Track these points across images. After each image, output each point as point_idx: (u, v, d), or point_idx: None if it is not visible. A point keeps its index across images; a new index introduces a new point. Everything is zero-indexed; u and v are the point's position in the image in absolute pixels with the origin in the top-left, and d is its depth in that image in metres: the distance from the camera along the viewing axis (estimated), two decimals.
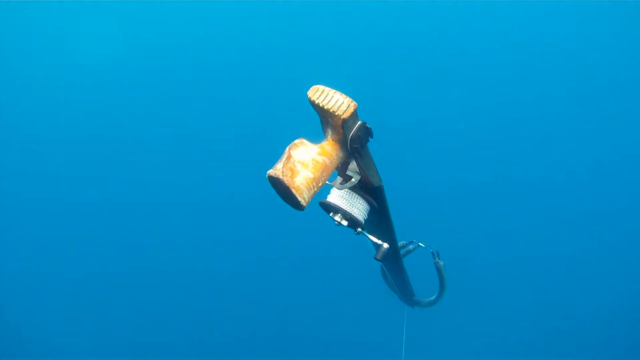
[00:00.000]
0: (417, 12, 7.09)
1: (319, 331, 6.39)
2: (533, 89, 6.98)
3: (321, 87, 1.80)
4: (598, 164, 6.77)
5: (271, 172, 1.76)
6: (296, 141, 1.84)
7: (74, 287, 6.74)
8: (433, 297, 3.06)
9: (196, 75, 7.30)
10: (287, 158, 1.77)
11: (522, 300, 6.26)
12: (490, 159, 6.84)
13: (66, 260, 6.84)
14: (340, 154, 1.86)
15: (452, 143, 6.83)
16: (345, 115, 1.75)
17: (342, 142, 1.84)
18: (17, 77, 7.26)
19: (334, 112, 1.75)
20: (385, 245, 2.14)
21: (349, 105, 1.76)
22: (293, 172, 1.75)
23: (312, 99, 1.78)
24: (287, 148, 1.81)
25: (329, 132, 1.85)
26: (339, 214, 2.07)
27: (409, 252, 2.78)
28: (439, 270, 2.78)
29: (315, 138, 1.92)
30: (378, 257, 2.14)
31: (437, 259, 2.75)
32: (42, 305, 6.71)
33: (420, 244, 2.72)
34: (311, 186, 1.77)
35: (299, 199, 1.75)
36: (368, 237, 2.16)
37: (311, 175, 1.77)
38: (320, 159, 1.80)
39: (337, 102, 1.75)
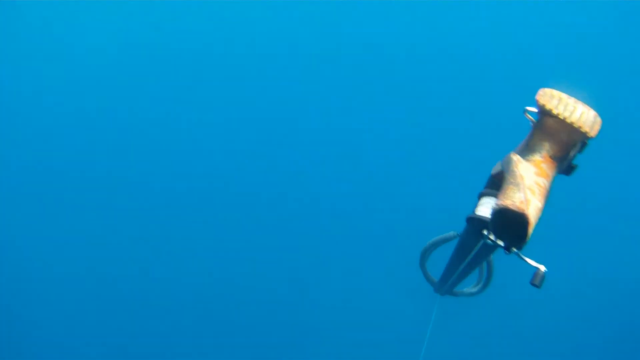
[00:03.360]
0: None
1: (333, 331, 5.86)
2: None
3: (556, 93, 1.42)
4: None
5: (510, 205, 1.36)
6: (514, 157, 1.48)
7: (74, 285, 6.48)
8: (476, 289, 2.71)
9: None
10: (523, 185, 1.41)
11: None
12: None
13: (66, 258, 6.34)
14: (553, 174, 1.53)
15: None
16: (593, 133, 1.42)
17: (560, 160, 1.50)
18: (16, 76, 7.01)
19: (579, 127, 1.40)
20: (543, 268, 1.71)
21: (595, 120, 1.42)
22: (528, 203, 1.38)
23: (547, 107, 1.40)
24: (514, 167, 1.44)
25: (546, 146, 1.48)
26: None
27: (446, 240, 2.47)
28: (488, 261, 2.49)
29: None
30: (536, 283, 1.70)
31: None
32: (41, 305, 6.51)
33: None
34: (537, 218, 1.43)
35: (529, 235, 1.40)
36: (523, 259, 1.74)
37: (539, 205, 1.42)
38: (542, 182, 1.45)
39: (582, 115, 1.39)
